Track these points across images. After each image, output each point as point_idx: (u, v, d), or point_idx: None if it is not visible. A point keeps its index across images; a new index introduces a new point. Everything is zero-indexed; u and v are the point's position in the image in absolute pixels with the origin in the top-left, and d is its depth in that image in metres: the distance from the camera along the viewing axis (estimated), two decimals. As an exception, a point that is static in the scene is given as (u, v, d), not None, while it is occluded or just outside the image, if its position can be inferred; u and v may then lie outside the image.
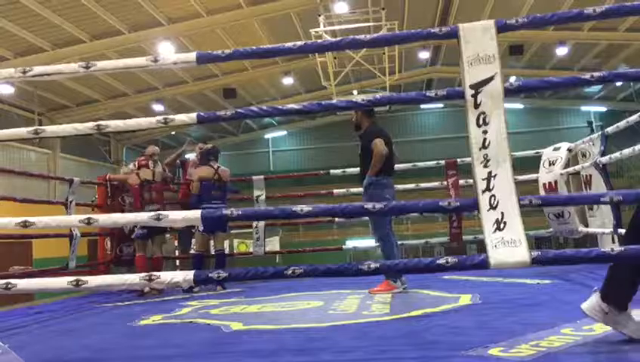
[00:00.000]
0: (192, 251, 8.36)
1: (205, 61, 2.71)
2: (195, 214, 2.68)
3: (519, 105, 27.35)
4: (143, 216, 2.82)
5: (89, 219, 2.73)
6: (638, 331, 2.57)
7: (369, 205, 2.63)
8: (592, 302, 2.59)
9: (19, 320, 4.86)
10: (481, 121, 2.60)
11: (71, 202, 6.60)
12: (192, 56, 2.70)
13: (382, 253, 5.47)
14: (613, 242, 5.93)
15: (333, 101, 2.71)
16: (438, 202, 2.77)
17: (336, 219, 8.94)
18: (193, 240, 8.11)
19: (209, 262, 7.24)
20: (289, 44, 2.63)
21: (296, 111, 2.67)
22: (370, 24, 15.06)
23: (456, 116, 26.69)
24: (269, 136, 29.97)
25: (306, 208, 2.56)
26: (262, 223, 7.26)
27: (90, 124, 2.77)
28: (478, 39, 2.63)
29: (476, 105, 2.59)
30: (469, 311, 3.93)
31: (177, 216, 2.74)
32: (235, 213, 2.62)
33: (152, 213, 2.66)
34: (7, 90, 16.57)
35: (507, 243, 2.43)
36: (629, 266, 2.58)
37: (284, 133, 29.99)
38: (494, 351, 2.64)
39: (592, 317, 2.57)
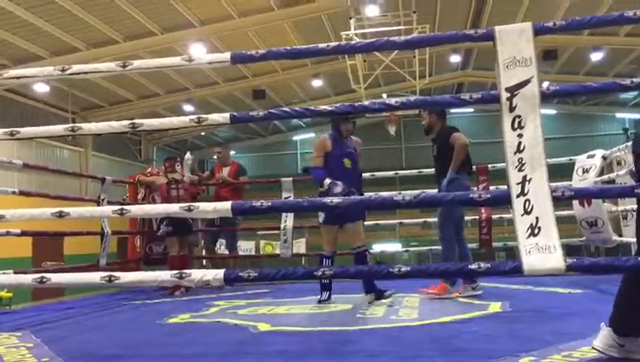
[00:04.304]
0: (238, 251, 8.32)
1: (240, 61, 2.72)
2: (225, 206, 2.68)
3: (552, 111, 26.93)
4: (175, 207, 2.84)
5: (122, 209, 2.77)
6: None
7: (399, 196, 2.61)
8: (606, 338, 2.50)
9: (50, 315, 4.94)
10: (516, 125, 2.55)
11: (103, 200, 6.69)
12: (226, 56, 2.71)
13: (441, 253, 5.38)
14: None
15: (366, 103, 2.70)
16: (468, 194, 2.73)
17: (364, 223, 8.87)
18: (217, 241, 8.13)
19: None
20: (322, 45, 2.62)
21: (329, 112, 2.66)
22: (402, 27, 14.98)
23: (486, 121, 26.37)
24: (297, 138, 30.02)
25: (335, 200, 2.56)
26: (290, 225, 7.25)
27: (125, 122, 2.80)
28: (515, 42, 2.58)
29: (512, 109, 2.55)
30: (499, 319, 3.87)
31: (208, 207, 2.75)
32: (264, 204, 2.62)
33: (183, 205, 2.68)
34: (43, 88, 16.89)
35: (541, 250, 2.38)
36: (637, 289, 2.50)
37: (313, 135, 29.98)
38: (525, 361, 2.60)
39: (609, 353, 2.48)
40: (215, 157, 8.20)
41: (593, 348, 2.52)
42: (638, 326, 2.50)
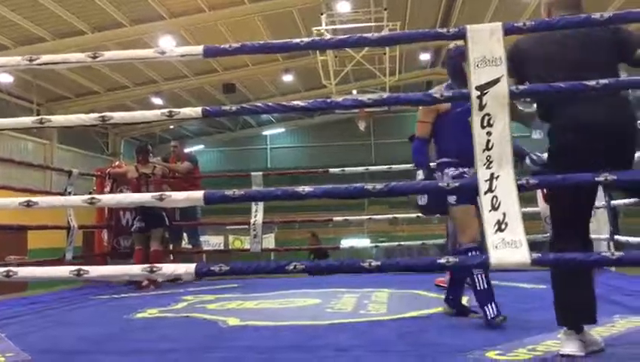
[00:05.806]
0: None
1: (212, 55, 2.69)
2: (197, 195, 2.65)
3: (518, 110, 27.35)
4: (147, 196, 2.80)
5: (92, 198, 2.73)
6: (601, 343, 2.64)
7: (369, 186, 2.62)
8: (575, 343, 2.54)
9: (13, 310, 4.83)
10: (485, 123, 2.59)
11: (70, 193, 6.56)
12: (198, 49, 2.69)
13: None
14: (609, 248, 5.94)
15: (339, 99, 2.71)
16: (437, 182, 2.75)
17: (334, 219, 8.90)
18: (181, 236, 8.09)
19: None
20: (296, 40, 2.62)
21: (302, 108, 2.66)
22: (372, 24, 15.06)
23: (454, 119, 26.61)
24: (266, 132, 29.93)
25: (307, 189, 2.55)
26: (260, 220, 7.24)
27: (95, 115, 2.76)
28: (486, 41, 2.62)
29: (481, 107, 2.59)
30: (466, 314, 3.93)
31: (179, 197, 2.72)
32: (237, 193, 2.60)
33: (155, 194, 2.64)
34: (6, 79, 16.50)
35: (508, 244, 2.43)
36: (579, 285, 2.58)
37: (283, 130, 29.95)
38: (491, 354, 2.65)
39: (582, 354, 2.52)
40: (171, 150, 8.26)
41: (562, 356, 2.56)
42: (586, 314, 2.58)
